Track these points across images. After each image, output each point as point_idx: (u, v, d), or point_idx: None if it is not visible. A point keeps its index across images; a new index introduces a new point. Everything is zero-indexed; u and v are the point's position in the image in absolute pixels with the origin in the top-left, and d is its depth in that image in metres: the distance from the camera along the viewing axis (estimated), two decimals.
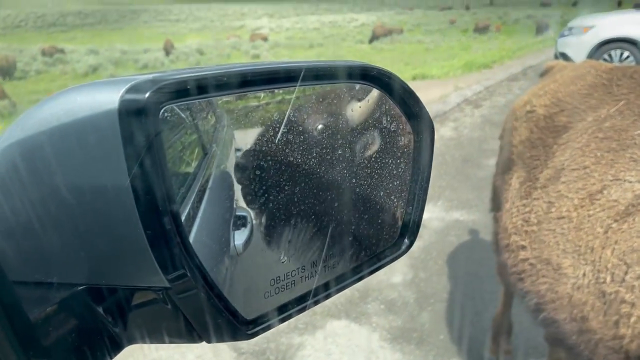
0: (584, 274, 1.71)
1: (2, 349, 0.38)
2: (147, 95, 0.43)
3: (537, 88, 2.48)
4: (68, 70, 20.23)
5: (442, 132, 7.93)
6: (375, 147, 0.63)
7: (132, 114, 0.43)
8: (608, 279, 1.63)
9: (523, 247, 1.99)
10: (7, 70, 18.64)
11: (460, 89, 11.04)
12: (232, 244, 0.55)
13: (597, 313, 1.66)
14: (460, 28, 29.84)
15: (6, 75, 18.50)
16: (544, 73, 2.95)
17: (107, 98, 0.43)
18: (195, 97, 0.48)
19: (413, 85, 0.66)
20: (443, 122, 8.53)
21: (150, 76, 0.45)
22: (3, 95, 12.99)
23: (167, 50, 24.17)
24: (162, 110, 0.44)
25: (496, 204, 2.63)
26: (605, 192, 1.75)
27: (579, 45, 10.68)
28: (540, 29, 24.68)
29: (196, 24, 48.95)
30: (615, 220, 1.68)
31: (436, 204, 5.17)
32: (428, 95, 10.33)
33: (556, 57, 11.39)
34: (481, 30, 26.93)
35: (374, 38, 25.60)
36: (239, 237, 0.55)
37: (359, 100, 0.62)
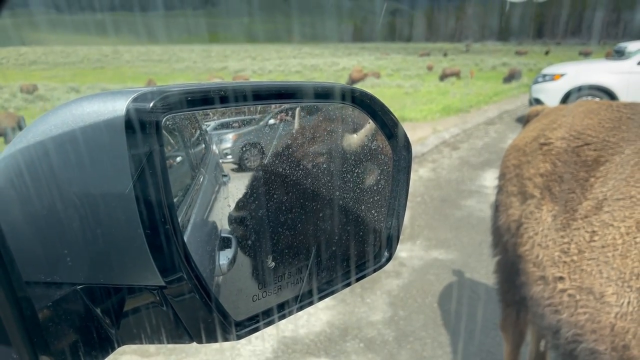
0: (629, 302, 1.71)
1: (15, 341, 0.40)
2: (151, 104, 0.46)
3: (545, 124, 2.48)
4: (48, 107, 20.15)
5: (421, 173, 8.04)
6: (358, 164, 0.67)
7: (137, 121, 0.46)
8: None
9: (561, 279, 1.97)
10: None
11: (439, 131, 11.24)
12: (217, 262, 0.58)
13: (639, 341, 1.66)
14: (438, 74, 30.52)
15: None
16: (529, 118, 2.95)
17: (114, 107, 0.46)
18: (196, 108, 0.51)
19: None
20: (422, 164, 8.65)
21: (155, 88, 0.49)
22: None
23: None
24: (164, 119, 0.48)
25: (499, 246, 2.58)
26: None
27: (551, 92, 11.05)
28: (515, 76, 25.38)
29: (179, 65, 49.22)
30: None
31: (415, 242, 5.20)
32: None
33: (530, 102, 11.73)
34: (449, 76, 27.53)
35: (352, 82, 26.09)
36: (224, 257, 0.58)
37: (355, 131, 0.66)
